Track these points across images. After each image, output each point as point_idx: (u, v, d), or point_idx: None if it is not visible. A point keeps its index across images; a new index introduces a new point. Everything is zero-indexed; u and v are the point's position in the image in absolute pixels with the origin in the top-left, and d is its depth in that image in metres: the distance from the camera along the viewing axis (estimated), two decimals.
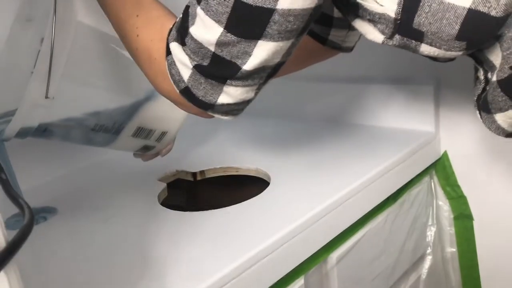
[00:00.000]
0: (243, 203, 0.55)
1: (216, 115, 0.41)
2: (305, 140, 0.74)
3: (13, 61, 0.55)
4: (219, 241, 0.48)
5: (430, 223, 0.72)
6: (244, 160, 0.69)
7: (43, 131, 0.50)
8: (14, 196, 0.30)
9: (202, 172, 0.68)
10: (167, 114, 0.55)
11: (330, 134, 0.74)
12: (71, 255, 0.49)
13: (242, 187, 0.67)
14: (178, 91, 0.39)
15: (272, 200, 0.56)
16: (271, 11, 0.34)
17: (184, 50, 0.37)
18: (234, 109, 0.40)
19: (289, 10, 0.34)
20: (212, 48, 0.36)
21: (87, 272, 0.46)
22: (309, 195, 0.55)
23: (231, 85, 0.38)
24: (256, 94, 0.40)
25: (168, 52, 0.39)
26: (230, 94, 0.38)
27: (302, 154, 0.68)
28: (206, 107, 0.40)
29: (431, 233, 0.72)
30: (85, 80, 0.52)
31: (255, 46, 0.35)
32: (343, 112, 0.79)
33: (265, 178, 0.64)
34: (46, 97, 0.46)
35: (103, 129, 0.53)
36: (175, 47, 0.38)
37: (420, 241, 0.70)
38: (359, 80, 0.77)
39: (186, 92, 0.39)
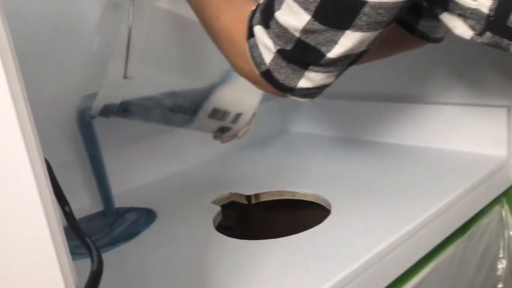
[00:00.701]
0: (303, 233, 0.52)
1: (294, 98, 0.41)
2: (366, 164, 0.70)
3: (104, 45, 0.58)
4: (280, 274, 0.45)
5: (501, 255, 0.67)
6: (301, 184, 0.66)
7: (123, 111, 0.53)
8: (80, 234, 0.29)
9: (256, 195, 0.66)
10: (241, 96, 0.56)
11: (392, 157, 0.70)
12: (124, 285, 0.48)
13: (299, 213, 0.64)
14: (258, 72, 0.39)
15: (334, 231, 0.52)
16: (362, 3, 0.33)
17: (267, 33, 0.37)
18: (313, 93, 0.40)
19: (380, 3, 0.34)
20: (297, 34, 0.36)
21: None
22: (374, 227, 0.51)
23: (313, 70, 0.37)
24: (336, 78, 0.39)
25: (250, 35, 0.39)
26: (311, 79, 0.38)
27: (363, 180, 0.64)
28: (285, 90, 0.39)
29: (502, 266, 0.66)
30: (162, 62, 0.54)
31: (342, 35, 0.35)
32: (406, 133, 0.75)
33: (324, 205, 0.61)
34: (125, 77, 0.50)
35: (181, 110, 0.55)
36: (258, 30, 0.38)
37: (490, 274, 0.65)
38: (424, 99, 0.73)
39: (267, 75, 0.39)
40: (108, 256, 0.53)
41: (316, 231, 0.52)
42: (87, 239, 0.27)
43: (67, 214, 0.31)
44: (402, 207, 0.55)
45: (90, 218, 0.63)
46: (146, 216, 0.61)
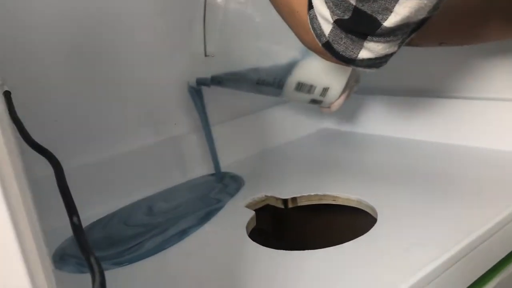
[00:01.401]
0: (346, 244, 0.47)
1: (359, 69, 0.40)
2: (413, 166, 0.64)
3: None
4: None
5: None
6: (342, 187, 0.60)
7: (218, 82, 0.60)
8: (87, 250, 0.24)
9: (294, 199, 0.61)
10: (324, 70, 0.56)
11: (443, 158, 0.64)
12: None
13: (340, 219, 0.59)
14: (320, 44, 0.39)
15: (381, 243, 0.46)
16: None
17: (326, 2, 0.36)
18: (376, 63, 0.39)
19: None
20: (354, 2, 0.34)
21: None
22: (428, 239, 0.45)
23: (372, 41, 0.36)
24: (399, 47, 0.38)
25: (310, 6, 0.38)
26: (371, 49, 0.37)
27: (411, 184, 0.58)
28: (347, 61, 0.39)
29: None
30: (242, 38, 0.57)
31: (396, 3, 0.33)
32: (454, 132, 0.68)
33: (369, 211, 0.55)
34: (205, 55, 0.55)
35: (266, 83, 0.58)
36: (317, 0, 0.37)
37: None
38: (484, 95, 0.66)
39: (328, 46, 0.38)
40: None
41: (361, 242, 0.47)
42: (92, 258, 0.22)
43: (75, 225, 0.27)
44: (459, 216, 0.48)
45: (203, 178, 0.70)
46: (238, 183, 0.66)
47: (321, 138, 0.84)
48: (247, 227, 0.54)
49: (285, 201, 0.61)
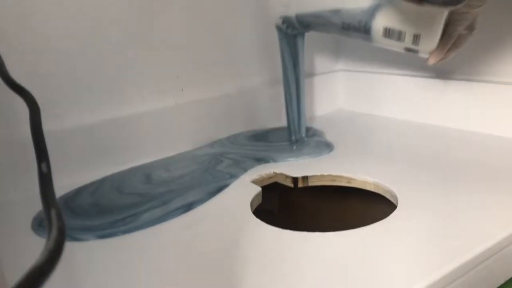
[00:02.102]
0: (360, 229, 0.42)
1: (434, 7, 0.38)
2: (437, 152, 0.58)
3: None
4: (328, 281, 0.35)
5: None
6: (358, 168, 0.55)
7: (306, 26, 0.57)
8: (48, 202, 0.19)
9: (304, 178, 0.55)
10: (411, 14, 0.49)
11: (470, 146, 0.58)
12: (135, 272, 0.39)
13: (355, 204, 0.54)
14: None
15: (401, 231, 0.41)
16: None
17: None
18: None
19: None
20: None
21: None
22: (456, 231, 0.40)
23: None
24: None
25: None
26: None
27: (436, 170, 0.53)
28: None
29: None
30: None
31: None
32: (487, 119, 0.62)
33: (387, 197, 0.50)
34: None
35: (352, 28, 0.52)
36: None
37: None
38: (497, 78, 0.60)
39: None
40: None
41: (377, 230, 0.41)
42: (54, 211, 0.17)
43: (42, 174, 0.22)
44: (491, 207, 0.43)
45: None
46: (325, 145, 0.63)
47: (336, 119, 0.78)
48: (251, 204, 0.49)
49: (295, 180, 0.56)
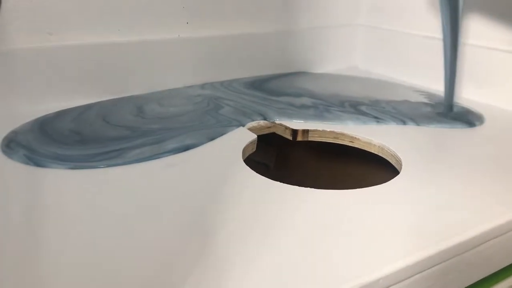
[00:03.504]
0: (360, 189, 0.38)
1: None
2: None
3: None
4: (307, 238, 0.32)
5: None
6: (364, 129, 0.51)
7: None
8: None
9: (305, 131, 0.52)
10: None
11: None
12: (94, 214, 0.36)
13: (355, 165, 0.50)
14: None
15: (403, 198, 0.37)
16: None
17: None
18: None
19: None
20: None
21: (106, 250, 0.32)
22: (462, 205, 0.36)
23: None
24: None
25: None
26: None
27: (447, 142, 0.49)
28: None
29: None
30: None
31: None
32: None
33: (391, 162, 0.46)
34: None
35: None
36: None
37: None
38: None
39: None
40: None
41: (372, 194, 0.38)
42: None
43: None
44: (501, 183, 0.39)
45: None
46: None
47: (349, 76, 0.73)
48: (244, 150, 0.46)
49: (294, 132, 0.52)
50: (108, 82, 0.57)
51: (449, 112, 0.54)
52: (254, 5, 0.66)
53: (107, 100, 0.55)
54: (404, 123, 0.52)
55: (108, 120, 0.50)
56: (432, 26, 0.65)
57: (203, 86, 0.63)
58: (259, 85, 0.64)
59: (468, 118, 0.53)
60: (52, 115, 0.50)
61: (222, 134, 0.48)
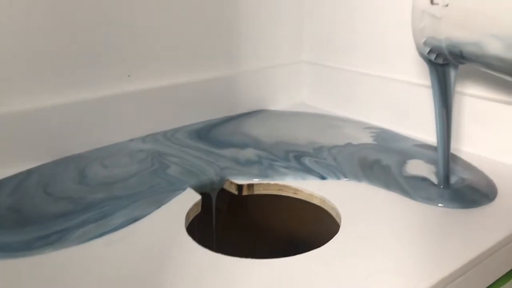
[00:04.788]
0: (299, 256, 0.39)
1: None
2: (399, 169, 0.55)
3: None
4: None
5: None
6: (309, 182, 0.51)
7: (460, 55, 0.40)
8: None
9: (250, 186, 0.52)
10: None
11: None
12: None
13: (299, 218, 0.51)
14: None
15: (339, 264, 0.38)
16: None
17: None
18: None
19: None
20: None
21: None
22: (402, 266, 0.37)
23: None
24: None
25: None
26: None
27: (389, 190, 0.50)
28: None
29: None
30: None
31: None
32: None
33: (332, 214, 0.47)
34: (432, 3, 0.38)
35: None
36: None
37: None
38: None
39: None
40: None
41: (313, 259, 0.39)
42: None
43: None
44: (444, 242, 0.41)
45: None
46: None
47: (294, 115, 0.75)
48: (187, 214, 0.46)
49: (239, 187, 0.52)
50: (47, 143, 0.55)
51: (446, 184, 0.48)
52: (196, 53, 0.67)
53: (48, 164, 0.54)
54: (344, 177, 0.52)
55: (49, 192, 0.49)
56: (371, 63, 0.68)
57: (144, 139, 0.62)
58: (205, 134, 0.64)
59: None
60: None
61: (170, 199, 0.47)
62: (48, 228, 0.42)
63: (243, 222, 0.62)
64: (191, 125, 0.67)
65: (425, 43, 0.43)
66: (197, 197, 0.48)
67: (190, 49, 0.66)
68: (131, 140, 0.62)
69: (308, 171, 0.53)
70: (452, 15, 0.37)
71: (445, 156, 0.47)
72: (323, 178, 0.52)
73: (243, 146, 0.60)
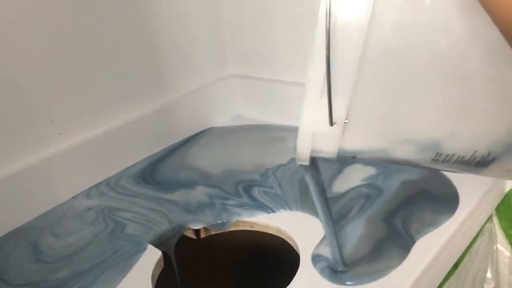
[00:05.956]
0: None
1: None
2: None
3: None
4: None
5: (489, 275, 0.59)
6: (261, 218, 0.53)
7: (352, 157, 0.37)
8: None
9: (206, 228, 0.54)
10: None
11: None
12: None
13: (260, 253, 0.53)
14: None
15: None
16: None
17: None
18: None
19: None
20: None
21: None
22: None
23: None
24: None
25: None
26: None
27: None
28: None
29: (489, 286, 0.59)
30: (403, 88, 0.32)
31: None
32: None
33: (290, 243, 0.50)
34: (331, 124, 0.33)
35: (454, 161, 0.34)
36: None
37: None
38: None
39: None
40: None
41: None
42: None
43: None
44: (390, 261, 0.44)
45: None
46: None
47: (235, 133, 0.75)
48: (153, 275, 0.47)
49: (197, 231, 0.54)
50: None
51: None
52: (122, 93, 0.65)
53: None
54: (290, 209, 0.53)
55: (6, 279, 0.48)
56: (296, 70, 0.69)
57: (88, 193, 0.61)
58: (150, 174, 0.64)
59: None
60: None
61: (134, 263, 0.48)
62: None
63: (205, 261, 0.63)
64: (133, 166, 0.66)
65: (312, 153, 0.37)
66: (158, 254, 0.49)
67: (114, 92, 0.64)
68: (75, 198, 0.60)
69: (259, 206, 0.54)
70: (351, 129, 0.34)
71: (336, 241, 0.44)
72: (272, 211, 0.53)
73: (192, 184, 0.60)
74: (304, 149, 0.36)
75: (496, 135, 0.32)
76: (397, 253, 0.44)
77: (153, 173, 0.64)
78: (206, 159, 0.66)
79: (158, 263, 0.48)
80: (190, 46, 0.72)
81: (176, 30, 0.70)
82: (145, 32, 0.66)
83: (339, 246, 0.43)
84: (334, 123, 0.33)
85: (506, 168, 0.35)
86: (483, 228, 0.55)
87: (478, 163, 0.34)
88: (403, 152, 0.34)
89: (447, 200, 0.50)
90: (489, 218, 0.56)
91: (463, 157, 0.34)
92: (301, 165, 0.38)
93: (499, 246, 0.59)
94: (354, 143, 0.35)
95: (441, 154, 0.34)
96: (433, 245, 0.44)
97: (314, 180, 0.40)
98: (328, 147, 0.35)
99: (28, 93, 0.56)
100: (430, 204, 0.50)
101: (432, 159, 0.34)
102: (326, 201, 0.41)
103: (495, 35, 0.27)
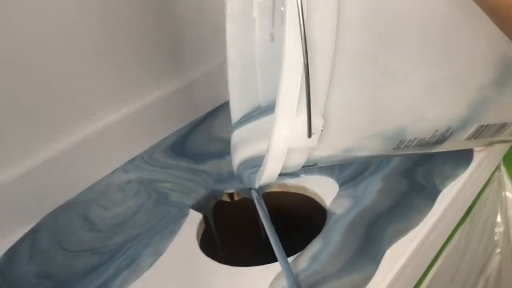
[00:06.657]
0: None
1: None
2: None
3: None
4: None
5: (499, 219, 0.64)
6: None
7: (313, 164, 0.35)
8: None
9: (238, 192, 0.59)
10: None
11: None
12: None
13: (293, 212, 0.58)
14: None
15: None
16: None
17: None
18: None
19: None
20: None
21: None
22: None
23: None
24: None
25: None
26: None
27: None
28: None
29: (499, 230, 0.64)
30: (373, 88, 0.31)
31: None
32: None
33: (320, 202, 0.55)
34: (310, 135, 0.29)
35: (415, 144, 0.35)
36: None
37: (488, 241, 0.63)
38: None
39: None
40: None
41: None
42: None
43: None
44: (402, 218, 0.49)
45: None
46: None
47: None
48: (197, 234, 0.52)
49: (230, 195, 0.59)
50: (36, 200, 0.57)
51: None
52: (149, 72, 0.69)
53: (46, 218, 0.56)
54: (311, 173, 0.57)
55: (67, 247, 0.52)
56: None
57: (125, 168, 0.64)
58: (180, 147, 0.68)
59: None
60: (3, 260, 0.49)
61: (180, 225, 0.53)
62: (87, 287, 0.46)
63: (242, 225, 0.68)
64: (162, 141, 0.70)
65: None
66: (199, 217, 0.54)
67: (143, 72, 0.68)
68: (113, 173, 0.64)
69: None
70: (324, 136, 0.31)
71: (289, 269, 0.43)
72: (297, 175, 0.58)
73: (222, 155, 0.64)
74: (274, 170, 0.32)
75: (458, 112, 0.33)
76: (423, 204, 0.48)
77: (183, 146, 0.68)
78: (229, 128, 0.70)
79: (200, 224, 0.54)
80: (213, 22, 0.75)
81: (198, 9, 0.73)
82: (170, 13, 0.70)
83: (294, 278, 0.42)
84: (313, 133, 0.29)
85: (459, 140, 0.36)
86: (492, 177, 0.60)
87: (436, 141, 0.35)
88: (368, 148, 0.33)
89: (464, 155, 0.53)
90: (498, 167, 0.61)
91: (423, 138, 0.34)
92: (253, 192, 0.38)
93: (507, 193, 0.64)
94: (325, 149, 0.32)
95: (404, 141, 0.33)
96: (450, 194, 0.49)
97: (264, 211, 0.40)
98: (297, 161, 0.32)
99: (67, 79, 0.60)
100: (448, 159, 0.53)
101: (394, 148, 0.34)
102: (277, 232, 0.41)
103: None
